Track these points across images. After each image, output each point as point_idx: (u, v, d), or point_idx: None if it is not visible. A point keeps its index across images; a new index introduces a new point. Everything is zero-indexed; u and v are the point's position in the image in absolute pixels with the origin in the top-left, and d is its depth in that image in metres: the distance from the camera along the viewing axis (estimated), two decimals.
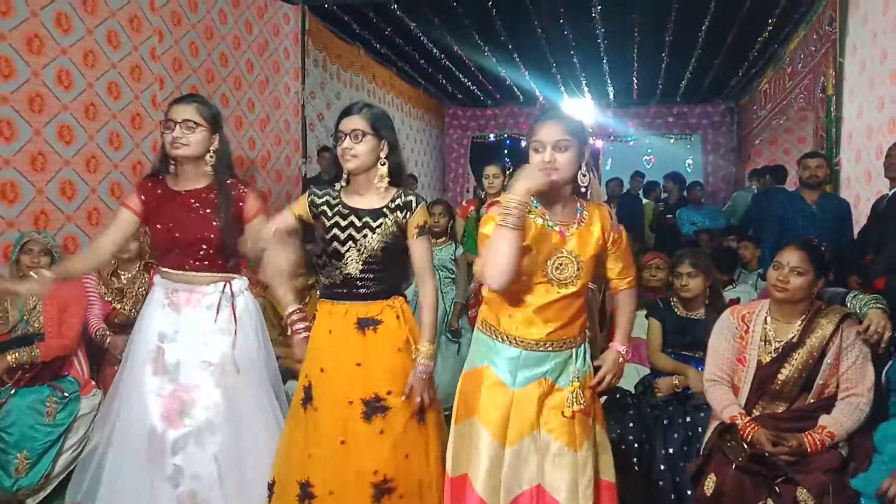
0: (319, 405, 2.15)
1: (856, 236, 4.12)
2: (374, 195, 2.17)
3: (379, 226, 2.13)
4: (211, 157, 2.31)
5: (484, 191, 4.18)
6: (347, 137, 2.10)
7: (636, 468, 2.57)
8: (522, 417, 1.90)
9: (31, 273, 2.29)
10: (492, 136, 11.21)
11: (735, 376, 2.38)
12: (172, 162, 2.32)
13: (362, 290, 2.16)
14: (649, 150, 11.12)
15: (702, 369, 2.66)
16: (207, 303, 2.32)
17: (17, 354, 2.89)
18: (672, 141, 10.93)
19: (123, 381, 2.35)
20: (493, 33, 6.81)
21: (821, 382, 2.24)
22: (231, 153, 2.40)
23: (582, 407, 1.91)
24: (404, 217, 2.15)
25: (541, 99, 10.02)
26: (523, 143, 7.92)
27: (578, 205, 1.98)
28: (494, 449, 1.88)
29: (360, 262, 2.13)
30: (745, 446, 2.17)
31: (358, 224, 2.14)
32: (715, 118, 10.36)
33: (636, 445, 2.59)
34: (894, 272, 3.17)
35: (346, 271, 2.14)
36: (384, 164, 2.15)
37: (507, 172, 4.11)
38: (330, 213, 2.17)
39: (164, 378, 2.27)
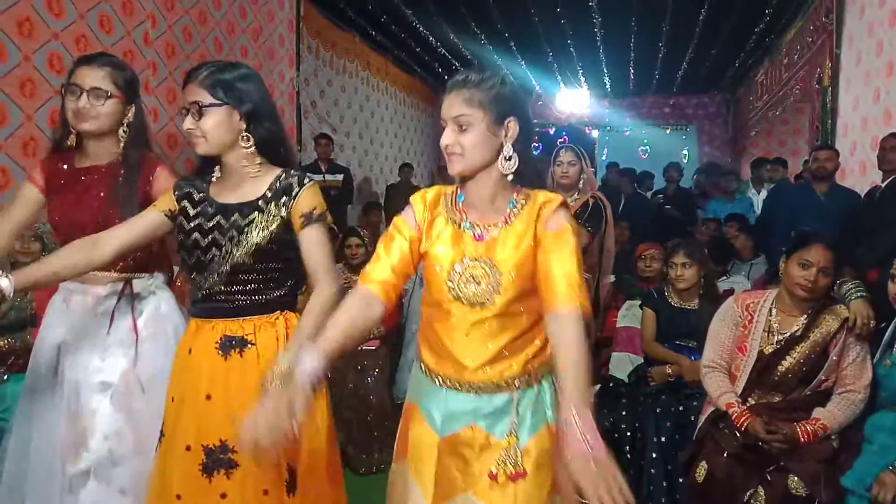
0: (166, 442, 1.70)
1: None
2: (249, 185, 1.68)
3: (249, 223, 1.64)
4: (125, 131, 1.88)
5: None
6: (189, 114, 1.62)
7: (628, 456, 2.59)
8: (447, 473, 1.47)
9: None
10: None
11: (733, 364, 2.36)
12: (72, 132, 1.88)
13: (228, 305, 1.67)
14: (645, 141, 11.11)
15: (695, 359, 2.68)
16: (102, 309, 1.88)
17: (9, 340, 2.88)
18: (668, 131, 10.96)
19: (25, 404, 1.95)
20: (490, 22, 6.78)
21: (822, 377, 2.24)
22: (147, 126, 1.98)
23: (516, 472, 1.41)
24: (286, 205, 1.65)
25: (537, 88, 10.00)
26: None
27: (514, 196, 1.47)
28: None
29: (224, 275, 1.65)
30: (738, 434, 2.18)
31: (225, 225, 1.66)
32: (711, 109, 10.39)
33: (628, 434, 2.61)
34: (887, 264, 3.17)
35: (208, 284, 1.66)
36: (247, 138, 1.65)
37: None
38: (191, 213, 1.70)
39: (62, 403, 1.88)
